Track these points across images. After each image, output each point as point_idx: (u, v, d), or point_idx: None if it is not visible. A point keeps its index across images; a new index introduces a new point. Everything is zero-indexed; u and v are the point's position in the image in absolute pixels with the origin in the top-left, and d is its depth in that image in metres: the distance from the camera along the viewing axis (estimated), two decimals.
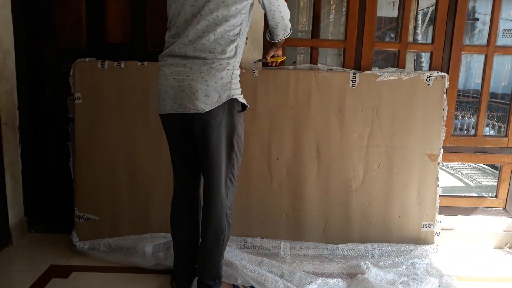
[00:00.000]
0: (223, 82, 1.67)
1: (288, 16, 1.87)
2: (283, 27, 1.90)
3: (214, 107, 1.65)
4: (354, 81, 2.31)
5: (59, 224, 2.58)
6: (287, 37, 2.00)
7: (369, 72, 2.35)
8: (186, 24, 1.67)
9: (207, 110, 1.65)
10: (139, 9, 2.49)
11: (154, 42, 2.53)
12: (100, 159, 2.33)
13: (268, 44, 2.16)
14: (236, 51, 1.71)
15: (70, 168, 2.39)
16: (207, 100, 1.65)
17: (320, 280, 1.99)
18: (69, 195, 2.45)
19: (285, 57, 2.30)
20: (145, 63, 2.29)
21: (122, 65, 2.29)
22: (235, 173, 1.82)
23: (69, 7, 2.49)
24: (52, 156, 2.68)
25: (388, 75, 2.32)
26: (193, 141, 1.76)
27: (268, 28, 1.97)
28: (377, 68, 2.43)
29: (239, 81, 1.77)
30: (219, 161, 1.73)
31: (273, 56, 2.23)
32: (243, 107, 1.78)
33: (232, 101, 1.71)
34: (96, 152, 2.32)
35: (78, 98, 2.29)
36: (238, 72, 1.74)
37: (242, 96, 1.76)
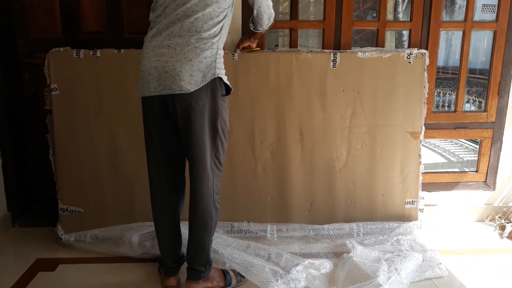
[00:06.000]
0: (207, 61, 1.67)
1: (271, 4, 1.87)
2: (268, 17, 1.90)
3: (199, 86, 1.64)
4: (335, 62, 2.31)
5: (43, 217, 2.56)
6: (270, 26, 2.00)
7: (349, 51, 2.35)
8: (174, 4, 1.66)
9: (192, 91, 1.64)
10: None
11: (131, 28, 2.49)
12: (81, 150, 2.30)
13: (248, 33, 2.14)
14: (220, 31, 1.71)
15: (51, 160, 2.35)
16: (192, 80, 1.64)
17: (306, 261, 2.01)
18: (52, 188, 2.42)
19: (259, 49, 2.30)
20: (122, 51, 2.25)
21: (98, 54, 2.24)
22: (220, 158, 1.81)
23: None
24: (32, 149, 2.64)
25: (369, 54, 2.31)
26: (175, 125, 1.74)
27: (250, 16, 1.95)
28: (358, 48, 2.43)
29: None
30: (203, 146, 1.72)
31: (248, 47, 2.23)
32: (227, 91, 1.78)
33: (216, 84, 1.69)
34: (76, 143, 2.29)
35: (55, 89, 2.24)
36: (222, 52, 1.74)
37: (226, 77, 1.75)
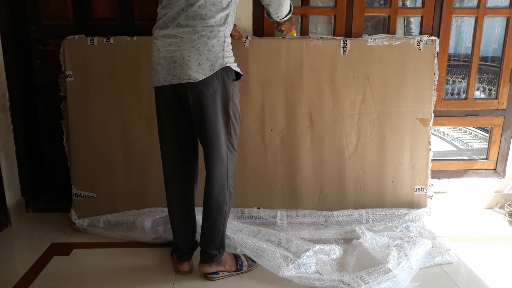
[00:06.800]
0: (215, 50, 1.66)
1: None
2: (276, 6, 1.85)
3: (208, 75, 1.65)
4: (345, 49, 2.30)
5: (57, 203, 2.60)
6: (284, 18, 1.95)
7: (359, 38, 2.34)
8: None
9: (200, 79, 1.65)
10: None
11: (142, 16, 2.49)
12: (95, 136, 2.33)
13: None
14: (227, 19, 1.70)
15: (65, 146, 2.39)
16: (200, 69, 1.64)
17: (317, 247, 2.03)
18: (65, 174, 2.46)
19: (294, 34, 2.23)
20: (134, 38, 2.26)
21: (112, 41, 2.25)
22: (233, 142, 1.83)
23: None
24: (45, 135, 2.68)
25: (379, 41, 2.31)
26: (188, 112, 1.76)
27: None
28: (367, 36, 2.42)
29: (232, 49, 1.77)
30: (217, 132, 1.73)
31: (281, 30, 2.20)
32: (237, 76, 1.78)
33: (226, 70, 1.70)
34: (90, 129, 2.32)
35: (70, 76, 2.27)
36: (229, 40, 1.74)
37: (236, 64, 1.76)
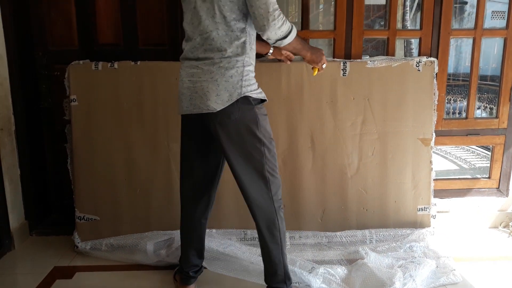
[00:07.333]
0: (233, 80, 1.64)
1: (266, 9, 1.56)
2: (259, 26, 1.61)
3: (226, 106, 1.64)
4: (345, 71, 2.34)
5: (60, 226, 2.61)
6: (276, 43, 1.67)
7: (359, 60, 2.38)
8: (193, 27, 1.68)
9: (218, 110, 1.64)
10: (129, 8, 2.51)
11: (146, 41, 2.55)
12: (98, 159, 2.35)
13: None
14: (244, 47, 1.66)
15: (69, 170, 2.41)
16: (218, 100, 1.64)
17: (321, 268, 2.02)
18: (69, 197, 2.47)
19: (316, 72, 2.00)
20: (138, 63, 2.30)
21: (116, 66, 2.30)
22: (272, 166, 1.74)
23: (59, 9, 2.51)
24: (49, 159, 2.70)
25: (378, 62, 2.34)
26: (211, 140, 1.76)
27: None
28: (367, 57, 2.46)
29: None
30: (246, 156, 1.70)
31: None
32: (262, 99, 1.75)
33: (246, 98, 1.67)
34: (93, 153, 2.34)
35: (74, 100, 2.31)
36: (250, 68, 1.70)
37: (259, 90, 1.72)
